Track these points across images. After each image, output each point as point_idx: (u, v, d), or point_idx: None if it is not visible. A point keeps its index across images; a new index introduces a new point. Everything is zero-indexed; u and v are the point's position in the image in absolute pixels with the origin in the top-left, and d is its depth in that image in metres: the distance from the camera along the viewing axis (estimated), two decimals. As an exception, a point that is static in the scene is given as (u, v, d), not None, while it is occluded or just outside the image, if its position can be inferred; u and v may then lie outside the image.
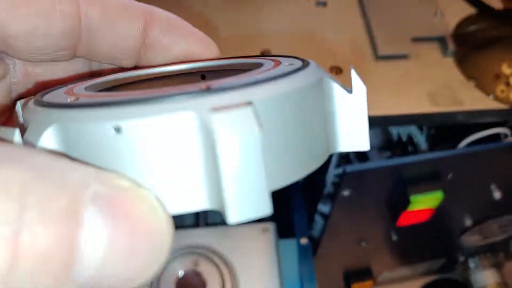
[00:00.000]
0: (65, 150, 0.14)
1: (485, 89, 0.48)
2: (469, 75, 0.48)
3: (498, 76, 0.50)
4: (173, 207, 0.13)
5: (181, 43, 0.20)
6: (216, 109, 0.13)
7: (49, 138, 0.14)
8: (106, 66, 0.21)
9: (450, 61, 0.49)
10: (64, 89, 0.18)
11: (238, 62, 0.20)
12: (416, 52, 0.49)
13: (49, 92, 0.17)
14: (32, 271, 0.11)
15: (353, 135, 0.17)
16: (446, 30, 0.50)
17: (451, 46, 0.49)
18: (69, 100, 0.15)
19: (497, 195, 0.52)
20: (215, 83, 0.14)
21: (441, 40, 0.50)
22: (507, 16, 0.51)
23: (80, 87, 0.17)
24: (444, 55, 0.49)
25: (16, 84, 0.20)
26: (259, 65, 0.18)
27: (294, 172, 0.15)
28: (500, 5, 0.54)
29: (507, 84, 0.50)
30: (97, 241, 0.12)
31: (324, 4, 0.53)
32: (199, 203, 0.13)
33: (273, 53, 0.47)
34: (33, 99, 0.16)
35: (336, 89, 0.16)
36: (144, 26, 0.19)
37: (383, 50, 0.48)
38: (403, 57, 0.49)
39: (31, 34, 0.18)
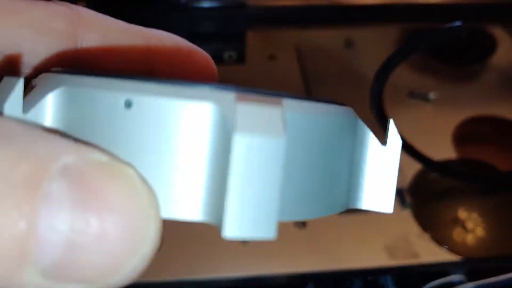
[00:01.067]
0: (64, 118, 0.12)
1: (441, 239, 0.51)
2: (425, 227, 0.52)
3: (455, 221, 0.54)
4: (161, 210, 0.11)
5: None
6: (241, 99, 0.11)
7: (50, 101, 0.12)
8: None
9: (407, 213, 0.53)
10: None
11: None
12: (375, 204, 0.53)
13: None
14: None
15: (378, 193, 0.15)
16: (403, 183, 0.55)
17: (408, 198, 0.53)
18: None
19: None
20: (244, 91, 0.12)
21: (398, 193, 0.54)
22: (446, 168, 0.56)
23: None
24: (402, 208, 0.53)
25: None
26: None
27: (308, 208, 0.13)
28: (453, 155, 0.59)
29: (464, 228, 0.53)
30: (61, 221, 0.10)
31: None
32: (193, 213, 0.12)
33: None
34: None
35: (371, 137, 0.15)
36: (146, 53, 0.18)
37: (344, 204, 0.52)
38: (364, 210, 0.52)
39: (16, 46, 0.16)
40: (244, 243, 0.49)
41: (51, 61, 0.17)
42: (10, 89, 0.12)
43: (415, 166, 0.57)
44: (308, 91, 0.66)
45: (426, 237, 0.51)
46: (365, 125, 0.16)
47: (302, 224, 0.51)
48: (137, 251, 0.10)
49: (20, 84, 0.12)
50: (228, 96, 0.12)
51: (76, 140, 0.11)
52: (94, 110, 0.12)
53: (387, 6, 0.74)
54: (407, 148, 0.54)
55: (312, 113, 0.13)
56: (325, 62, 0.71)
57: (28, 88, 0.13)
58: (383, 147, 0.15)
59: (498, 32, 0.71)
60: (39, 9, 0.16)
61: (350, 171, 0.15)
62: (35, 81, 0.14)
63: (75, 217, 0.10)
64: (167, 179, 0.12)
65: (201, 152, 0.11)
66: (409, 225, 0.52)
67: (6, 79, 0.13)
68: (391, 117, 0.17)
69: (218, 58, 0.56)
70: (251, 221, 0.11)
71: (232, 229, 0.11)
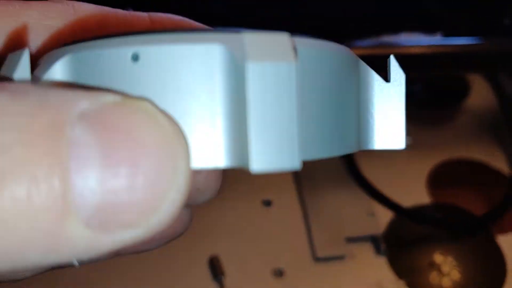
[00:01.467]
0: (73, 83, 0.12)
1: (417, 285, 0.52)
2: (400, 273, 0.53)
3: (430, 266, 0.55)
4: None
5: None
6: (249, 34, 0.11)
7: (58, 70, 0.12)
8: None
9: (382, 261, 0.54)
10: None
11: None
12: (351, 252, 0.54)
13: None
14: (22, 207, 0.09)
15: (388, 130, 0.15)
16: (377, 230, 0.56)
17: (383, 245, 0.54)
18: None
19: None
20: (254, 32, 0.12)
21: (374, 240, 0.55)
22: (417, 216, 0.57)
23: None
24: (377, 254, 0.54)
25: None
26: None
27: (325, 146, 0.13)
28: (428, 199, 0.61)
29: (440, 271, 0.54)
30: (91, 163, 0.10)
31: (269, 203, 0.58)
32: (217, 159, 0.12)
33: (222, 258, 0.52)
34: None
35: (374, 75, 0.15)
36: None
37: (320, 252, 0.53)
38: (340, 258, 0.53)
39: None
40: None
41: (49, 44, 0.17)
42: (17, 61, 0.12)
43: (389, 214, 0.58)
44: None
45: (401, 283, 0.52)
46: (367, 65, 0.15)
47: (279, 274, 0.52)
48: (172, 182, 0.10)
49: (26, 54, 0.12)
50: (235, 35, 0.11)
51: (87, 88, 0.11)
52: (102, 71, 0.12)
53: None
54: (379, 197, 0.55)
55: (318, 47, 0.13)
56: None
57: (34, 66, 0.13)
58: (388, 84, 0.15)
59: (471, 76, 0.73)
60: (34, 8, 0.17)
61: (358, 111, 0.15)
62: (40, 60, 0.14)
63: (106, 158, 0.10)
64: (185, 128, 0.11)
65: (216, 94, 0.11)
66: (384, 272, 0.53)
67: (10, 56, 0.13)
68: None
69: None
70: (275, 152, 0.11)
71: (258, 163, 0.11)
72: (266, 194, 0.60)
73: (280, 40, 0.11)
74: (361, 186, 0.55)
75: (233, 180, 0.62)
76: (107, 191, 0.10)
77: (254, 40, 0.11)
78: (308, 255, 0.54)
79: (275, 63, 0.11)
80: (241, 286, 0.50)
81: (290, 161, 0.11)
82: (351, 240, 0.55)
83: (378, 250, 0.54)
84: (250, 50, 0.11)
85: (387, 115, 0.15)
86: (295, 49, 0.11)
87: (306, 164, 0.12)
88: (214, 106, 0.11)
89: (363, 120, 0.15)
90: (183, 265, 0.51)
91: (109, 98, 0.10)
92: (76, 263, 0.11)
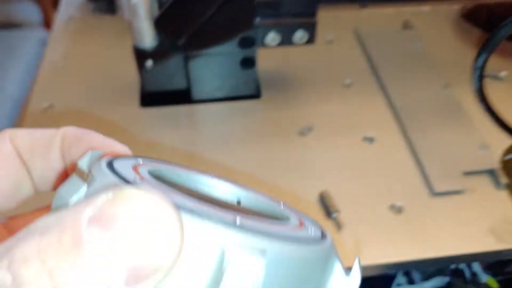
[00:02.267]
0: None
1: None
2: (524, 207, 0.48)
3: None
4: None
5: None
6: (236, 247, 0.15)
7: None
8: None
9: (503, 194, 0.50)
10: (132, 161, 0.20)
11: (274, 206, 0.23)
12: (470, 186, 0.50)
13: (118, 159, 0.20)
14: None
15: None
16: (494, 163, 0.52)
17: (503, 179, 0.50)
18: (133, 178, 0.18)
19: None
20: (246, 219, 0.17)
21: (492, 173, 0.51)
22: None
23: (144, 168, 0.20)
24: (497, 188, 0.50)
25: None
26: (287, 219, 0.21)
27: None
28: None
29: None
30: (109, 251, 0.13)
31: (371, 140, 0.54)
32: None
33: (332, 195, 0.48)
34: (105, 159, 0.19)
35: (337, 269, 0.19)
36: (62, 153, 0.22)
37: (438, 187, 0.49)
38: (458, 192, 0.49)
39: None
40: (338, 229, 0.46)
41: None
42: (76, 190, 0.17)
43: (503, 146, 0.54)
44: (377, 75, 0.63)
45: (527, 218, 0.48)
46: (337, 258, 0.19)
47: (398, 210, 0.48)
48: (166, 246, 0.13)
49: (83, 189, 0.17)
50: (232, 238, 0.15)
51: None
52: None
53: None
54: (498, 121, 0.51)
55: (290, 257, 0.16)
56: (385, 44, 0.68)
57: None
58: (347, 277, 0.19)
59: None
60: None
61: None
62: (89, 167, 0.18)
63: (115, 242, 0.13)
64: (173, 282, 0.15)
65: (207, 273, 0.15)
66: (507, 205, 0.49)
67: (73, 178, 0.17)
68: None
69: (288, 40, 0.53)
70: None
71: None
72: (366, 131, 0.56)
73: (254, 263, 0.15)
74: (491, 115, 0.50)
75: (331, 116, 0.58)
76: (129, 262, 0.13)
77: (236, 259, 0.15)
78: (425, 190, 0.50)
79: (244, 282, 0.15)
80: (358, 223, 0.47)
81: None
82: (469, 174, 0.51)
83: (497, 184, 0.50)
84: (230, 269, 0.15)
85: None
86: (263, 273, 0.15)
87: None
88: (202, 282, 0.15)
89: None
90: (294, 203, 0.48)
91: (102, 198, 0.13)
92: None
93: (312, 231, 0.20)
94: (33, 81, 0.62)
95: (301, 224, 0.20)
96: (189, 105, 0.58)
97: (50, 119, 0.56)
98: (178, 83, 0.57)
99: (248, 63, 0.55)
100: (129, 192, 0.13)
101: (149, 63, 0.54)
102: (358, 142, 0.55)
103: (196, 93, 0.58)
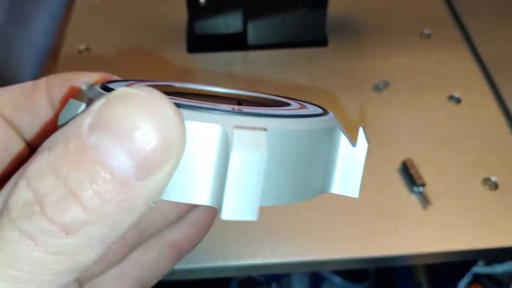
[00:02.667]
0: None
1: None
2: None
3: None
4: (178, 195, 0.16)
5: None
6: (237, 127, 0.16)
7: None
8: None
9: None
10: (128, 82, 0.21)
11: (273, 98, 0.23)
12: None
13: (112, 82, 0.21)
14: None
15: (347, 182, 0.20)
16: None
17: None
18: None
19: None
20: (245, 108, 0.17)
21: None
22: None
23: (141, 85, 0.21)
24: None
25: None
26: (288, 104, 0.21)
27: (287, 197, 0.18)
28: None
29: None
30: (113, 148, 0.13)
31: (458, 101, 0.46)
32: (202, 198, 0.16)
33: (416, 162, 0.41)
34: (99, 84, 0.19)
35: (343, 140, 0.19)
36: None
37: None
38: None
39: None
40: (424, 205, 0.38)
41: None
42: (76, 110, 0.18)
43: None
44: (460, 24, 0.54)
45: None
46: (341, 129, 0.19)
47: (493, 186, 0.40)
48: (169, 135, 0.14)
49: (83, 107, 0.18)
50: (231, 120, 0.16)
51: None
52: None
53: None
54: None
55: (291, 129, 0.17)
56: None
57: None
58: (353, 148, 0.19)
59: None
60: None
61: (326, 165, 0.19)
62: (87, 94, 0.19)
63: (119, 139, 0.14)
64: (185, 173, 0.16)
65: (210, 159, 0.16)
66: None
67: (71, 101, 0.19)
68: None
69: None
70: (239, 209, 0.16)
71: (227, 214, 0.16)
72: (451, 89, 0.47)
73: (258, 135, 0.16)
74: None
75: (410, 70, 0.49)
76: (133, 155, 0.14)
77: (239, 134, 0.16)
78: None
79: (250, 154, 0.15)
80: (446, 200, 0.39)
81: (250, 216, 0.16)
82: None
83: None
84: (235, 142, 0.15)
85: (349, 170, 0.20)
86: (267, 141, 0.16)
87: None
88: (209, 166, 0.16)
89: (330, 172, 0.20)
90: (376, 175, 0.41)
91: (98, 104, 0.14)
92: (153, 205, 0.15)
93: (313, 110, 0.20)
94: (66, 22, 0.55)
95: (302, 106, 0.21)
96: (243, 51, 0.50)
97: (86, 62, 0.50)
98: (232, 25, 0.49)
99: (318, 1, 0.47)
100: (121, 92, 0.14)
101: None
102: (443, 102, 0.46)
103: (253, 37, 0.50)
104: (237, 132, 0.15)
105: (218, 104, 0.17)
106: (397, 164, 0.41)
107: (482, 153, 0.42)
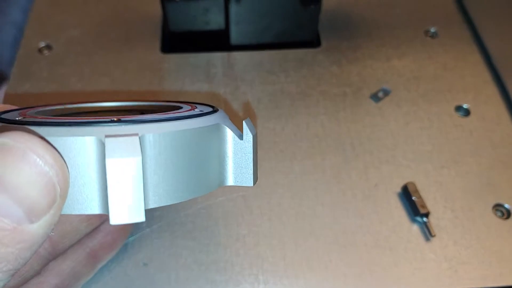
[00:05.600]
0: None
1: None
2: None
3: None
4: (72, 208, 0.17)
5: None
6: (109, 136, 0.17)
7: None
8: None
9: None
10: (19, 111, 0.22)
11: (167, 104, 0.25)
12: None
13: (6, 112, 0.22)
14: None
15: (241, 173, 0.21)
16: None
17: None
18: (16, 118, 0.19)
19: None
20: (125, 117, 0.19)
21: None
22: None
23: (33, 111, 0.22)
24: None
25: None
26: (179, 108, 0.23)
27: (181, 194, 0.19)
28: None
29: None
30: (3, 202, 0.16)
31: (467, 112, 0.41)
32: (93, 208, 0.18)
33: (418, 186, 0.35)
34: None
35: (230, 134, 0.21)
36: None
37: None
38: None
39: None
40: (427, 237, 0.33)
41: None
42: None
43: None
44: (470, 22, 0.48)
45: None
46: (228, 124, 0.21)
47: (507, 213, 0.35)
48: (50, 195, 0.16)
49: None
50: (103, 130, 0.17)
51: None
52: None
53: None
54: None
55: (168, 132, 0.18)
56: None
57: None
58: (241, 140, 0.21)
59: None
60: None
61: (218, 160, 0.21)
62: None
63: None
64: (74, 187, 0.17)
65: (93, 169, 0.17)
66: None
67: None
68: None
69: None
70: (125, 213, 0.17)
71: (114, 219, 0.17)
72: (459, 98, 0.42)
73: (130, 141, 0.17)
74: None
75: (412, 75, 0.44)
76: (21, 202, 0.16)
77: (112, 143, 0.17)
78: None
79: (124, 159, 0.16)
80: (452, 230, 0.34)
81: (137, 218, 0.17)
82: None
83: None
84: (108, 149, 0.16)
85: (240, 162, 0.21)
86: (141, 145, 0.17)
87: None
88: (92, 178, 0.17)
89: (222, 166, 0.21)
90: (363, 195, 0.35)
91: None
92: (52, 234, 0.17)
93: (199, 110, 0.21)
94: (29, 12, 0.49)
95: (193, 108, 0.22)
96: (225, 52, 0.45)
97: (46, 63, 0.44)
98: (213, 22, 0.43)
99: (311, -3, 0.41)
100: (6, 143, 0.15)
101: (175, -7, 0.40)
102: (449, 113, 0.41)
103: (236, 36, 0.44)
104: (108, 140, 0.17)
105: (98, 118, 0.18)
106: (397, 188, 0.36)
107: (493, 175, 0.37)
